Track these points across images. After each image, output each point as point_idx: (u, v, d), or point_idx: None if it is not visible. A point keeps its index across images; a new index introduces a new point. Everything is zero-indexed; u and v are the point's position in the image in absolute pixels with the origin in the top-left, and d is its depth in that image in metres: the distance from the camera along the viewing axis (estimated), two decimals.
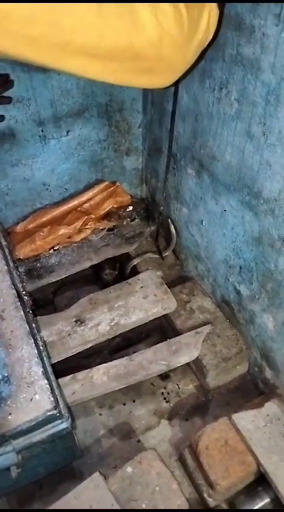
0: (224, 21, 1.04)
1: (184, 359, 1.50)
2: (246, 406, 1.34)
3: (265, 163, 1.11)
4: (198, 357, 1.50)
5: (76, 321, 1.57)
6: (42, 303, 1.86)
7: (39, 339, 1.22)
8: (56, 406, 1.02)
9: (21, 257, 1.80)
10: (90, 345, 1.53)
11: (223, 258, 1.48)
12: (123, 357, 1.52)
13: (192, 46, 0.86)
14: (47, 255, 1.85)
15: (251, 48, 1.01)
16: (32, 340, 1.13)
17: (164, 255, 1.86)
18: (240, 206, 1.28)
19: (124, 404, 1.54)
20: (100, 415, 1.52)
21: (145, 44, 0.75)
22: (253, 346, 1.49)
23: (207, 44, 0.93)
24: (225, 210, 1.37)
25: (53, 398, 1.02)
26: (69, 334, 1.53)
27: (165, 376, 1.60)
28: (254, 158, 1.14)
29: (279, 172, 1.07)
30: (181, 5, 0.77)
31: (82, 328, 1.55)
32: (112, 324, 1.56)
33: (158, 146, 1.75)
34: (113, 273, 1.92)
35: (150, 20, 0.73)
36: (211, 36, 0.92)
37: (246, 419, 1.28)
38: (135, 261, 1.84)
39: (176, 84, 1.00)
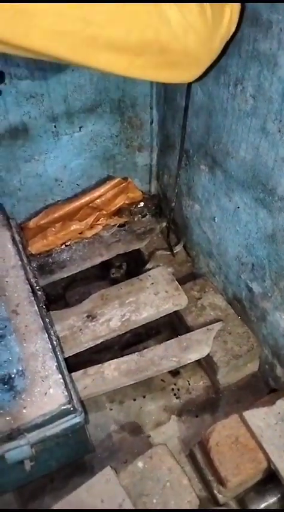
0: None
1: (195, 356, 1.51)
2: (257, 404, 1.33)
3: (280, 160, 1.10)
4: (208, 354, 1.50)
5: (87, 316, 1.58)
6: (53, 297, 1.88)
7: (53, 334, 1.23)
8: (70, 400, 1.03)
9: (33, 252, 1.81)
10: (101, 340, 1.54)
11: (236, 255, 1.48)
12: (133, 352, 1.53)
13: (216, 39, 0.87)
14: (59, 251, 1.86)
15: (268, 44, 0.99)
16: (46, 335, 1.14)
17: (175, 251, 1.86)
18: (254, 203, 1.27)
19: (134, 399, 1.55)
20: (111, 410, 1.53)
21: (171, 37, 0.77)
22: (265, 344, 1.48)
23: (230, 36, 0.93)
24: (238, 207, 1.36)
25: (66, 393, 1.03)
26: (81, 330, 1.54)
27: (175, 373, 1.61)
28: (270, 155, 1.13)
29: None
30: None
31: (93, 323, 1.56)
32: (123, 319, 1.56)
33: (170, 142, 1.74)
34: (123, 269, 1.92)
35: (175, 13, 0.75)
36: (233, 29, 0.92)
37: (257, 416, 1.28)
38: (149, 266, 1.83)
39: (199, 80, 1.01)
